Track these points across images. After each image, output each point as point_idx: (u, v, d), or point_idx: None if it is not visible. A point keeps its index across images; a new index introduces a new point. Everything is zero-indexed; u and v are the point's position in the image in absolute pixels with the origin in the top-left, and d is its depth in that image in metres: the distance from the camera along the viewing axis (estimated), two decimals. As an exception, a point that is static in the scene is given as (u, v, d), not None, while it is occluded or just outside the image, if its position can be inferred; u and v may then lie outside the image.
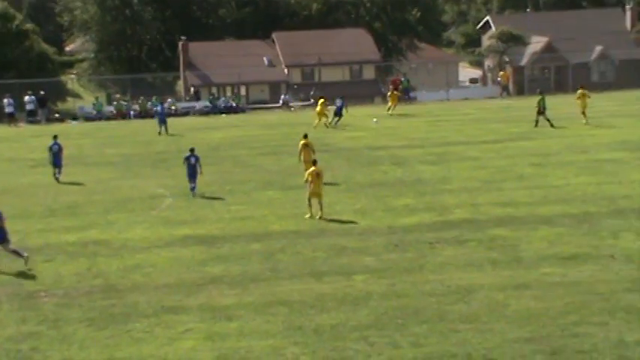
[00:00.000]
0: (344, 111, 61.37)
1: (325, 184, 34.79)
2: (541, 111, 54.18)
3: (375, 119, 60.41)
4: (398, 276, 26.26)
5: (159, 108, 63.35)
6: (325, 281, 26.08)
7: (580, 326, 21.72)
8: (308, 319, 23.07)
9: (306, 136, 40.28)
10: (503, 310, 23.02)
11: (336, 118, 60.92)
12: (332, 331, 22.14)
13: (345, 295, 24.71)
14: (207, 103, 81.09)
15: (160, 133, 59.99)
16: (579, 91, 56.99)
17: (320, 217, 33.59)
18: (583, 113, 55.35)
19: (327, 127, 58.91)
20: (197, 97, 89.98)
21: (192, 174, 39.16)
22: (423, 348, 20.91)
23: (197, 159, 39.21)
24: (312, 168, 34.39)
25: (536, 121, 54.22)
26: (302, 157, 39.38)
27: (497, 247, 28.81)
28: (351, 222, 32.87)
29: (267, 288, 25.73)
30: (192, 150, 39.60)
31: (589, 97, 56.57)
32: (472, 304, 23.63)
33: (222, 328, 22.71)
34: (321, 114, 59.44)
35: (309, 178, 33.93)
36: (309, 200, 33.99)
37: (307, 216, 33.84)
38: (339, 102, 61.85)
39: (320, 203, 33.91)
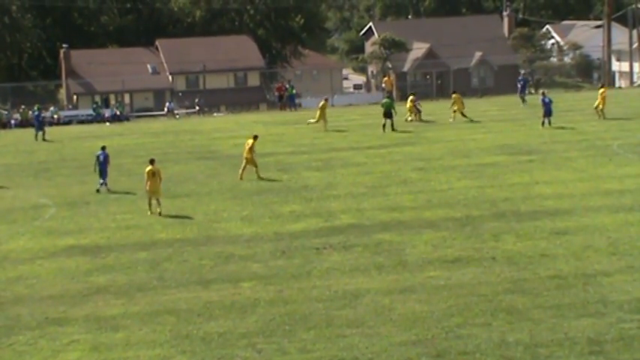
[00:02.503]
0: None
1: (213, 191, 34.88)
2: (386, 114, 55.22)
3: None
4: (285, 282, 26.36)
5: (36, 114, 62.95)
6: (212, 289, 26.03)
7: (464, 328, 22.14)
8: (195, 327, 23.00)
9: (255, 137, 42.94)
10: (389, 314, 23.31)
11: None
12: (220, 339, 22.11)
13: (233, 303, 24.71)
14: (92, 112, 79.92)
15: (36, 138, 59.79)
16: (454, 96, 59.47)
17: (160, 213, 35.31)
18: (462, 114, 57.75)
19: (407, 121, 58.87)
20: (106, 104, 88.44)
21: (101, 170, 40.64)
22: (310, 354, 21.04)
23: (106, 156, 40.73)
24: (149, 167, 36.02)
25: (384, 125, 55.10)
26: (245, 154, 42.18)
27: (382, 251, 29.13)
28: (238, 229, 32.86)
29: (154, 297, 25.56)
30: (103, 148, 41.38)
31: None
32: (358, 308, 23.87)
33: (108, 339, 22.47)
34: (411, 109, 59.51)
35: (146, 177, 35.87)
36: (149, 199, 35.89)
37: (149, 214, 35.51)
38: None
39: (157, 200, 35.70)
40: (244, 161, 42.27)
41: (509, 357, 20.39)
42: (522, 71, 78.97)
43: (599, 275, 25.81)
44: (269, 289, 25.75)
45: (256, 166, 42.24)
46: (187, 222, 34.25)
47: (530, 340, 21.19)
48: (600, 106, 56.43)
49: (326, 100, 59.47)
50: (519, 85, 69.68)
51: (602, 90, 57.56)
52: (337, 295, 25.01)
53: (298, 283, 26.28)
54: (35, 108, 72.49)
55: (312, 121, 57.91)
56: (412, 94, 61.98)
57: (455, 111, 58.30)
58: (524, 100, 66.82)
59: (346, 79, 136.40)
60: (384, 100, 57.34)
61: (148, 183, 35.81)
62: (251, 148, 42.09)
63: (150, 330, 22.95)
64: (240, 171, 42.23)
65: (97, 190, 40.53)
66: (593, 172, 40.53)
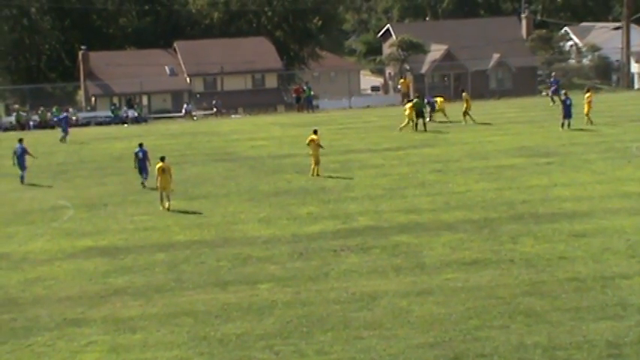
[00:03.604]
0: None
1: (230, 193, 34.96)
2: (417, 114, 55.25)
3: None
4: (303, 284, 26.36)
5: (63, 116, 63.54)
6: (230, 291, 26.05)
7: (481, 330, 22.10)
8: (213, 329, 23.03)
9: (315, 132, 43.46)
10: (406, 316, 23.28)
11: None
12: (237, 341, 22.13)
13: (250, 305, 24.72)
14: (110, 113, 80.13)
15: (61, 140, 60.20)
16: (464, 95, 59.27)
17: (168, 209, 36.56)
18: (466, 114, 57.51)
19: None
20: (130, 105, 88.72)
21: (141, 167, 41.49)
22: (328, 356, 21.03)
23: (145, 153, 41.54)
24: (160, 164, 37.25)
25: (416, 125, 55.24)
26: (310, 152, 43.16)
27: (400, 253, 29.10)
28: (256, 231, 32.87)
29: (172, 298, 25.61)
30: (140, 145, 42.00)
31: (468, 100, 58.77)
32: (376, 310, 23.84)
33: (126, 340, 22.53)
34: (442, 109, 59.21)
35: (156, 173, 37.30)
36: (160, 195, 37.06)
37: (160, 208, 36.69)
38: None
39: (167, 195, 36.92)
40: (312, 159, 42.93)
41: (527, 359, 20.36)
42: (553, 73, 79.11)
43: (617, 278, 25.71)
44: (286, 291, 25.76)
45: (318, 164, 42.89)
46: (205, 224, 34.30)
47: (548, 343, 21.13)
48: (585, 111, 55.05)
49: (417, 96, 58.30)
50: (552, 87, 69.31)
51: (587, 95, 56.13)
52: (355, 297, 25.00)
53: (316, 284, 26.28)
54: (54, 110, 73.00)
55: (403, 125, 56.75)
56: (439, 96, 61.53)
57: (466, 113, 57.93)
58: (553, 100, 66.25)
59: None
60: (415, 100, 57.07)
61: (159, 179, 37.10)
62: (317, 145, 42.67)
63: (168, 331, 23.00)
64: (313, 168, 42.87)
65: (143, 185, 41.56)
66: (612, 174, 40.36)
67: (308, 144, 43.39)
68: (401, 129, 55.82)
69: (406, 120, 55.77)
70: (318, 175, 42.56)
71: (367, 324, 22.86)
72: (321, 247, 30.23)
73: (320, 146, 42.91)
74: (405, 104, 58.30)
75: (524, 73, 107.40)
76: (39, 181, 45.37)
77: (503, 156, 45.99)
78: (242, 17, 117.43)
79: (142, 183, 41.65)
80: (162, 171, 37.04)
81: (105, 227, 34.57)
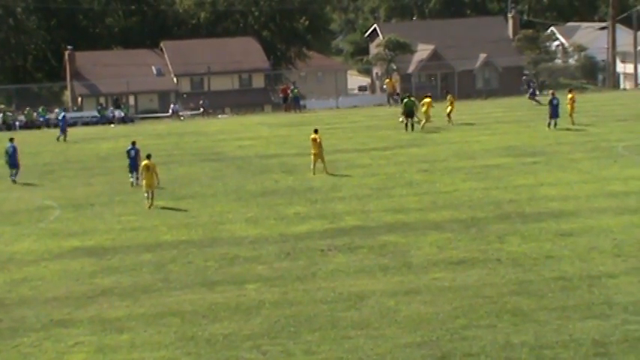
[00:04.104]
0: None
1: (217, 193, 34.89)
2: (408, 114, 55.35)
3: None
4: (290, 284, 26.35)
5: (61, 116, 64.06)
6: (217, 291, 26.03)
7: (468, 329, 22.12)
8: (200, 329, 23.00)
9: (316, 131, 43.78)
10: (394, 316, 23.29)
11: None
12: (225, 341, 22.10)
13: (238, 305, 24.70)
14: (96, 114, 79.97)
15: (58, 139, 60.98)
16: (449, 97, 59.50)
17: (150, 206, 37.27)
18: (449, 115, 57.67)
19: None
20: (117, 105, 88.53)
21: (133, 166, 41.70)
22: (315, 355, 21.03)
23: (137, 151, 41.81)
24: (145, 162, 37.74)
25: (406, 125, 55.38)
26: (311, 150, 43.46)
27: (387, 253, 29.11)
28: (243, 231, 32.85)
29: (159, 299, 25.56)
30: (133, 143, 42.35)
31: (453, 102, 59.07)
32: (363, 310, 23.85)
33: (113, 341, 22.48)
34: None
35: (140, 170, 38.26)
36: (146, 193, 37.49)
37: (147, 208, 37.14)
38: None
39: (152, 193, 37.54)
40: (313, 157, 43.19)
41: (514, 359, 20.36)
42: (524, 77, 79.45)
43: (604, 277, 25.78)
44: (274, 291, 25.74)
45: (324, 162, 43.13)
46: (192, 224, 34.27)
47: (535, 342, 21.17)
48: (569, 112, 54.88)
49: (408, 96, 58.48)
50: (531, 89, 69.71)
51: (570, 95, 55.93)
52: (342, 296, 25.00)
53: (303, 284, 26.27)
54: (40, 110, 72.76)
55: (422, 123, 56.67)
56: (428, 96, 61.78)
57: (449, 114, 58.07)
58: (539, 102, 66.32)
59: None
60: (405, 100, 57.09)
61: (143, 176, 37.71)
62: (319, 144, 42.92)
63: (155, 332, 22.96)
64: (312, 167, 43.22)
65: (132, 184, 41.75)
66: (598, 173, 40.49)
67: (315, 143, 43.42)
68: (422, 127, 55.88)
69: (423, 117, 56.07)
70: (327, 172, 42.83)
71: (355, 324, 22.86)
72: (309, 246, 30.23)
73: (320, 145, 43.06)
74: (423, 100, 57.83)
75: (511, 72, 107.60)
76: (25, 181, 45.27)
77: (490, 155, 46.09)
78: (229, 17, 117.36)
79: (132, 182, 41.59)
80: (147, 169, 37.39)
81: (92, 227, 34.50)
